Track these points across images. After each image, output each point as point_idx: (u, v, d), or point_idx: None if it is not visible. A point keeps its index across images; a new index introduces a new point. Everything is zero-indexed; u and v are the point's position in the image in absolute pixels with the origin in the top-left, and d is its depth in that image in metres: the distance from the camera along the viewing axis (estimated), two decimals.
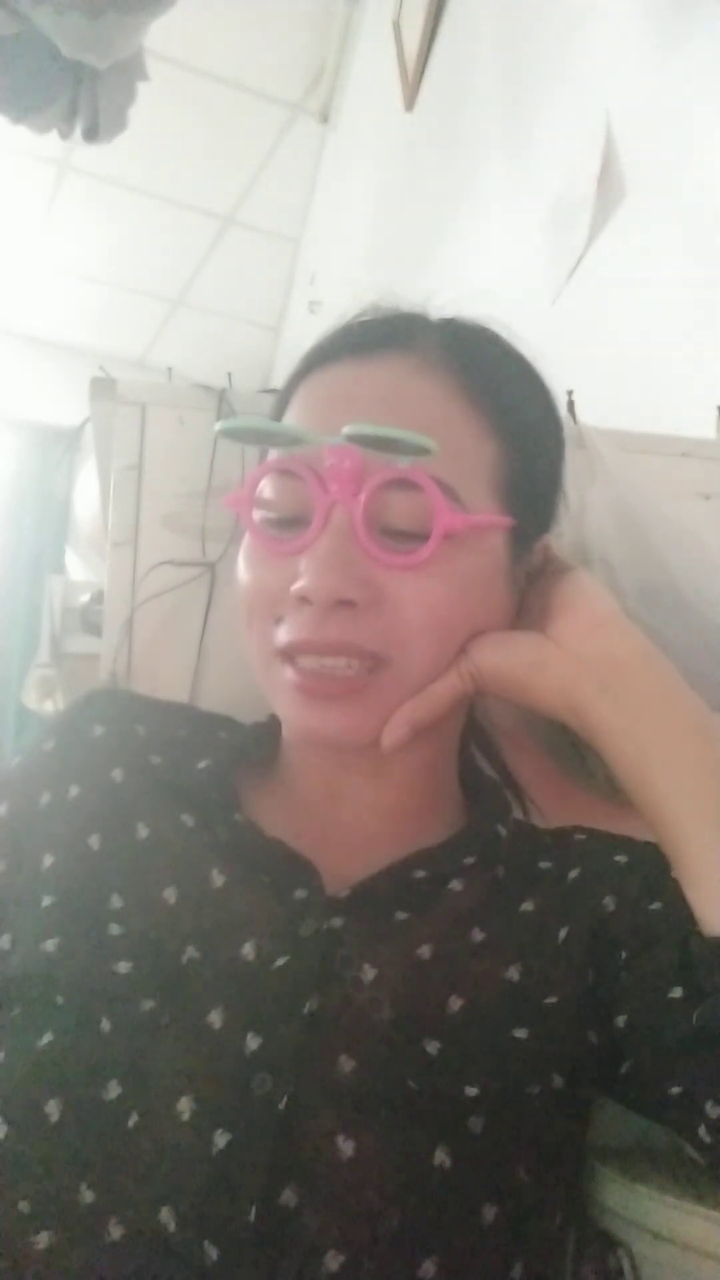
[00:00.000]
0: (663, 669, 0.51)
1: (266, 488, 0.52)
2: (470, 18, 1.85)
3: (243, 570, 0.53)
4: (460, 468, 0.50)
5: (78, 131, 1.54)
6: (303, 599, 0.48)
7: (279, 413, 0.57)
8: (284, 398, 0.57)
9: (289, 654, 0.50)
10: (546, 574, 0.56)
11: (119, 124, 1.59)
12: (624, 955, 0.50)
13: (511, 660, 0.51)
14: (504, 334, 0.57)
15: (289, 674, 0.49)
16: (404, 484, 0.48)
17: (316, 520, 0.49)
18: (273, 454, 0.53)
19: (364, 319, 0.56)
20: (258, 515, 0.52)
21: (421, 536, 0.48)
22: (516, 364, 0.56)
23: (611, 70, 1.30)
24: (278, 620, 0.50)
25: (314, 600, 0.47)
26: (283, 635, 0.50)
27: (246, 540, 0.53)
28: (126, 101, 1.58)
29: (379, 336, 0.53)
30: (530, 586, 0.56)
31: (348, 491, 0.48)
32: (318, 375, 0.54)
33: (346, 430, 0.47)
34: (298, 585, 0.48)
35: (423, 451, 0.47)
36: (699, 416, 0.97)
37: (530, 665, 0.51)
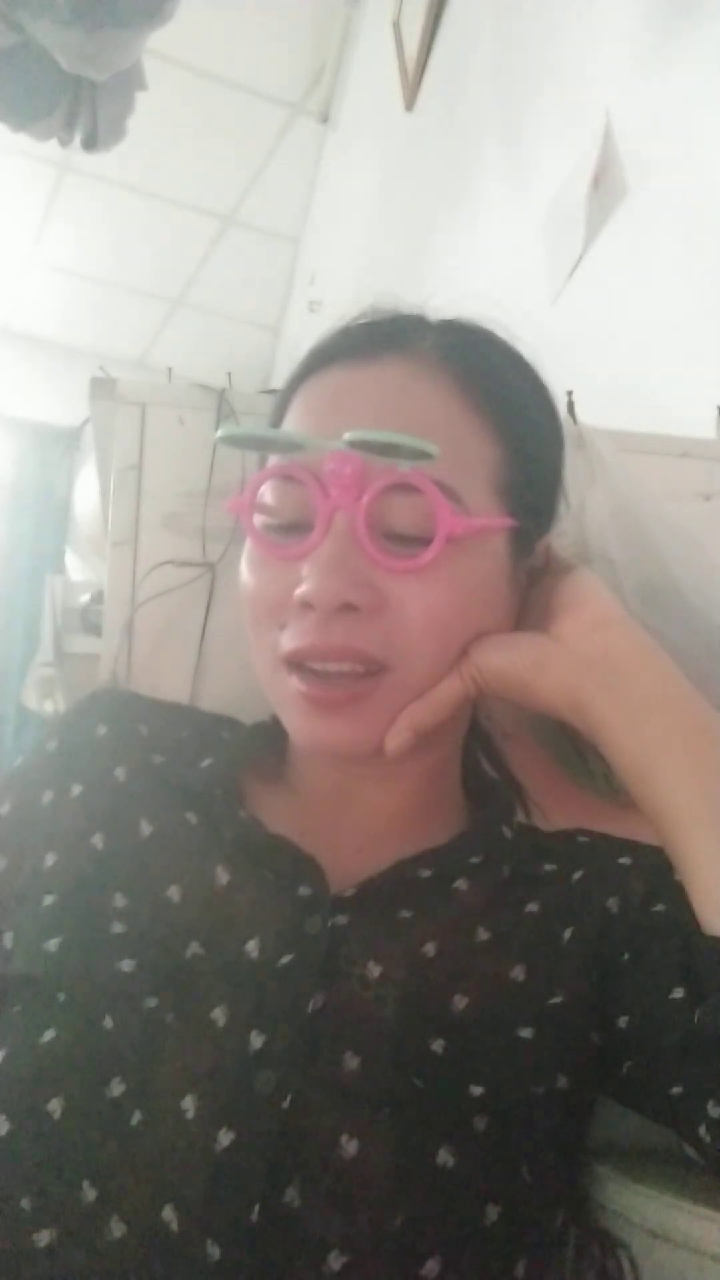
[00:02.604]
0: (666, 667, 0.51)
1: (267, 493, 0.52)
2: (470, 18, 1.85)
3: (245, 576, 0.53)
4: (461, 470, 0.50)
5: (77, 140, 1.55)
6: (305, 604, 0.48)
7: (278, 416, 0.57)
8: (283, 401, 0.56)
9: (294, 661, 0.49)
10: (549, 574, 0.56)
11: (118, 134, 1.60)
12: (626, 957, 0.50)
13: (514, 661, 0.51)
14: (503, 334, 0.57)
15: (294, 683, 0.49)
16: (405, 488, 0.48)
17: (319, 526, 0.49)
18: (273, 459, 0.52)
19: (363, 321, 0.56)
20: (259, 520, 0.52)
21: (424, 540, 0.48)
22: (516, 364, 0.56)
23: (611, 70, 1.30)
24: (281, 627, 0.50)
25: (317, 605, 0.47)
26: (287, 642, 0.50)
27: (248, 546, 0.53)
28: (125, 112, 1.59)
29: (378, 339, 0.53)
30: (532, 586, 0.56)
31: (349, 496, 0.48)
32: (317, 378, 0.54)
33: (347, 436, 0.46)
34: (300, 590, 0.48)
35: (424, 456, 0.46)
36: (699, 416, 0.97)
37: (532, 665, 0.51)
